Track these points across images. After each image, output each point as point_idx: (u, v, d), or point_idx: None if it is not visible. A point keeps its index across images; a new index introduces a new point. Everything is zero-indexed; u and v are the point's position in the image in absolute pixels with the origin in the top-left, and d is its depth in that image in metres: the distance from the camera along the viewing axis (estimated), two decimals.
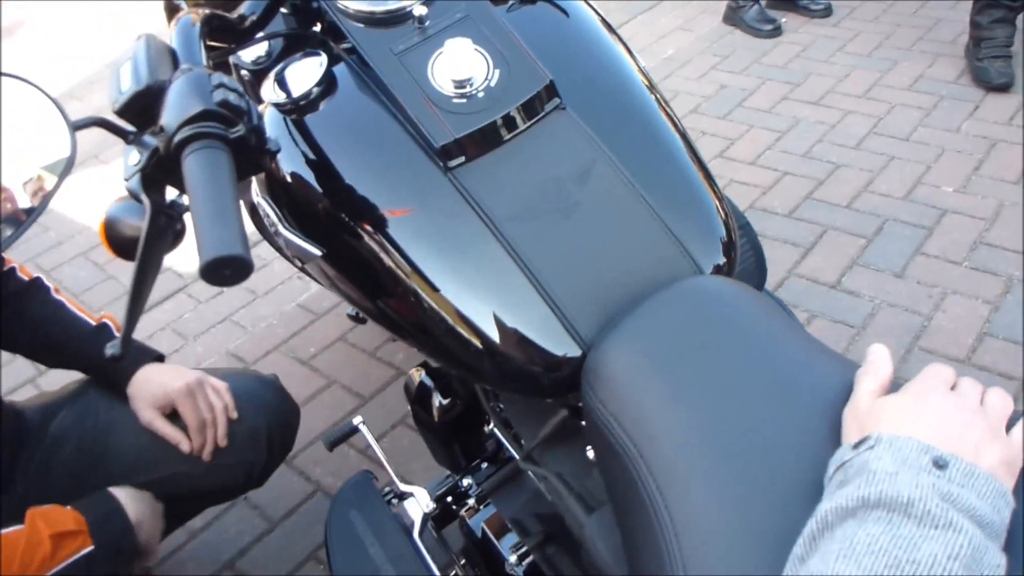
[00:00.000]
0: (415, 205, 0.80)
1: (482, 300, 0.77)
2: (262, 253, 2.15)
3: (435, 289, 0.78)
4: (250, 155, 0.67)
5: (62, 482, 1.14)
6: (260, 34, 0.92)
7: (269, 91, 0.89)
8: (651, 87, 0.90)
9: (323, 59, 0.88)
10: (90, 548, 1.00)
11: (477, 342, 0.78)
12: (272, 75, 0.90)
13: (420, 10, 0.86)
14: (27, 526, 0.97)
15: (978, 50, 2.59)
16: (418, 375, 1.14)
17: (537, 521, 1.01)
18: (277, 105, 0.88)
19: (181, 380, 1.17)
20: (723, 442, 0.61)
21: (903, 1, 3.19)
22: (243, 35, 0.89)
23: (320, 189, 0.86)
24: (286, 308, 2.17)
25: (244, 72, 1.00)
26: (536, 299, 0.76)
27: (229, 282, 0.58)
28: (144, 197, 0.66)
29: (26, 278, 1.21)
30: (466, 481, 1.14)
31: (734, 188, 2.33)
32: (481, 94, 0.81)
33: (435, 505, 1.11)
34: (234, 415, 1.20)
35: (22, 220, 0.71)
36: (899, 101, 2.61)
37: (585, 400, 0.72)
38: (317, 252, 0.87)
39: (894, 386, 0.61)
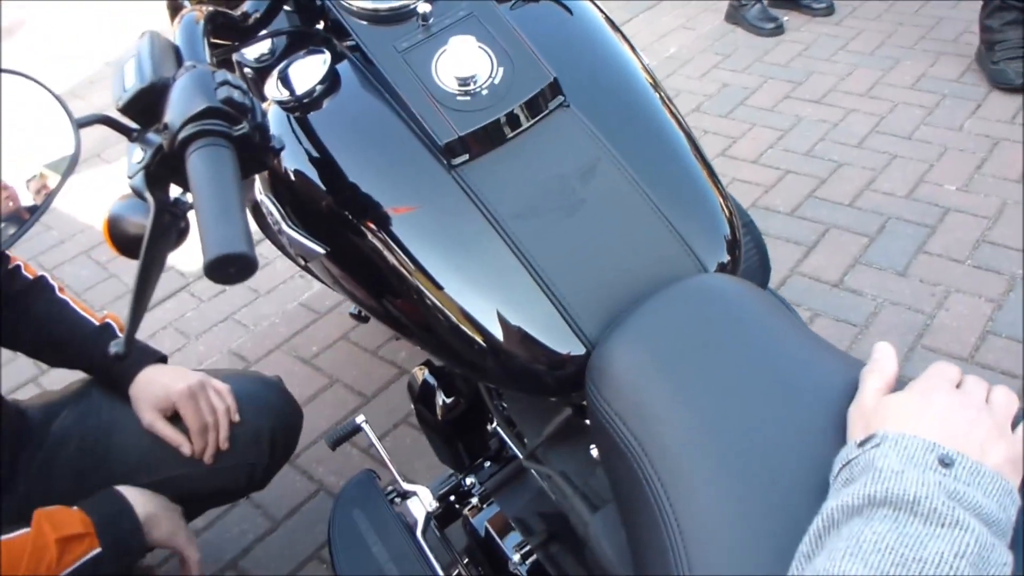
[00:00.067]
0: (419, 203, 0.80)
1: (486, 298, 0.77)
2: (264, 251, 2.14)
3: (439, 287, 0.78)
4: (254, 153, 0.67)
5: (64, 482, 1.14)
6: (263, 32, 0.92)
7: (272, 89, 0.89)
8: (655, 85, 0.90)
9: (326, 57, 0.88)
10: (97, 551, 0.99)
11: (481, 340, 0.78)
12: (275, 73, 0.90)
13: (424, 7, 0.86)
14: (33, 530, 0.96)
15: (992, 53, 2.58)
16: (421, 374, 1.14)
17: (541, 520, 1.01)
18: (280, 103, 0.88)
19: (183, 382, 1.16)
20: (728, 440, 0.61)
21: (905, 0, 3.19)
22: (246, 32, 0.89)
23: (323, 187, 0.86)
24: (288, 307, 2.16)
25: (247, 70, 1.00)
26: (540, 297, 0.76)
27: (233, 280, 0.57)
28: (148, 195, 0.66)
29: (30, 276, 1.21)
30: (469, 480, 1.14)
31: (736, 187, 2.33)
32: (485, 92, 0.81)
33: (438, 504, 1.11)
34: (236, 417, 1.20)
35: (25, 218, 0.71)
36: (901, 99, 2.61)
37: (589, 398, 0.72)
38: (320, 250, 0.87)
39: (899, 384, 0.61)
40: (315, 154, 0.86)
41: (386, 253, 0.81)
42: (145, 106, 0.68)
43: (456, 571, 1.07)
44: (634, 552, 0.67)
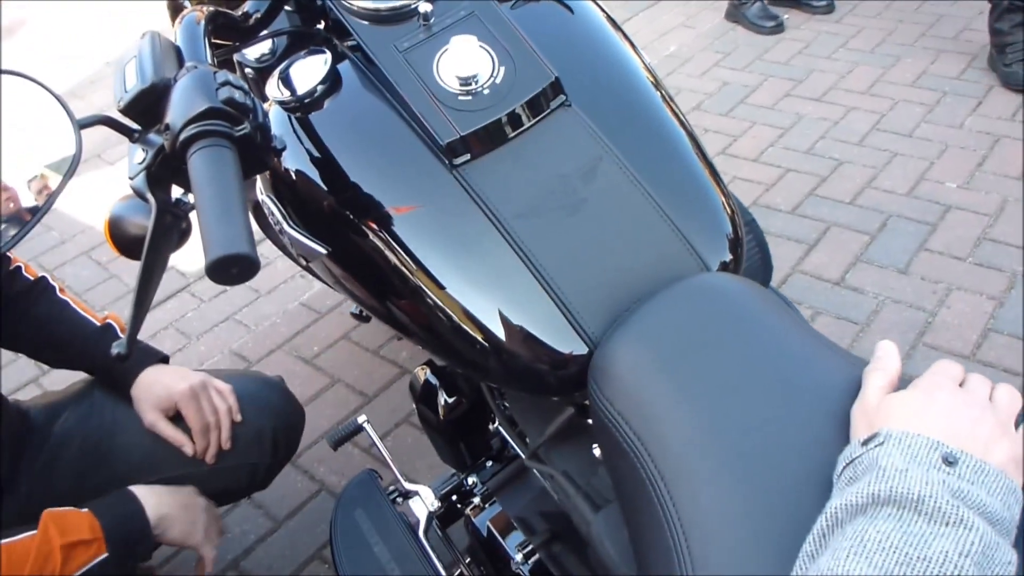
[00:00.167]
0: (420, 203, 0.80)
1: (488, 297, 0.77)
2: (265, 251, 2.15)
3: (440, 287, 0.78)
4: (255, 153, 0.67)
5: (66, 482, 1.14)
6: (264, 32, 0.92)
7: (273, 89, 0.89)
8: (656, 84, 0.90)
9: (327, 57, 0.88)
10: (104, 556, 0.98)
11: (483, 340, 0.77)
12: (276, 73, 0.90)
13: (425, 7, 0.85)
14: (39, 534, 0.94)
15: (1003, 56, 2.59)
16: (423, 373, 1.14)
17: (543, 519, 1.01)
18: (281, 103, 0.88)
19: (185, 382, 1.17)
20: (731, 439, 0.61)
21: None
22: (247, 33, 0.89)
23: (325, 187, 0.86)
24: (289, 307, 2.16)
25: (248, 70, 1.00)
26: (542, 296, 0.75)
27: (235, 280, 0.57)
28: (149, 195, 0.66)
29: (31, 277, 1.20)
30: (471, 480, 1.14)
31: (737, 185, 2.33)
32: (486, 91, 0.81)
33: (440, 504, 1.11)
34: (238, 418, 1.20)
35: (26, 219, 0.71)
36: (902, 97, 2.61)
37: (592, 398, 0.72)
38: (322, 250, 0.87)
39: (902, 383, 0.61)
40: (316, 154, 0.86)
41: (388, 253, 0.81)
42: (146, 107, 0.68)
43: (458, 571, 1.07)
44: (637, 552, 0.67)
